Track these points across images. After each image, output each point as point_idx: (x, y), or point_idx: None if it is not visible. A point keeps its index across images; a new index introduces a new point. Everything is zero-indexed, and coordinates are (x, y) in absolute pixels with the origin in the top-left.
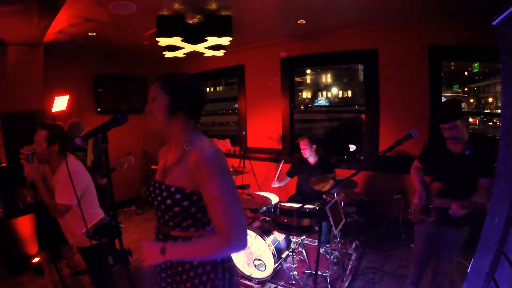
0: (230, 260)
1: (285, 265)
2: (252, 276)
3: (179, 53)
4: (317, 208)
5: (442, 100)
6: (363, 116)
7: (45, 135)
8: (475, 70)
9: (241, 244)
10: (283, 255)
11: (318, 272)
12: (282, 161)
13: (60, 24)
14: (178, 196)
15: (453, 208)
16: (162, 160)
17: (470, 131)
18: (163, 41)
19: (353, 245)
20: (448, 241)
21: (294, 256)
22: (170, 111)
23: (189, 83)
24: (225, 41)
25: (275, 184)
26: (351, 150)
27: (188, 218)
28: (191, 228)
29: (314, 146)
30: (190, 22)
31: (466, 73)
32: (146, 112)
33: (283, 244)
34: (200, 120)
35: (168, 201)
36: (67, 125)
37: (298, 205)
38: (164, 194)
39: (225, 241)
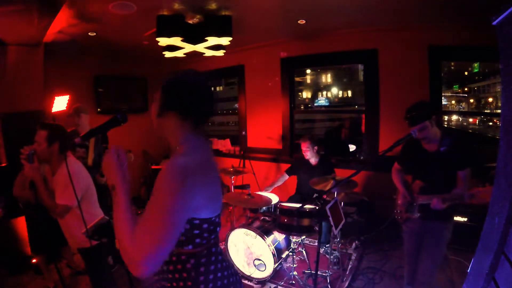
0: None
1: (285, 265)
2: (252, 276)
3: (179, 53)
4: (317, 208)
5: (442, 100)
6: (362, 115)
7: (45, 135)
8: (475, 70)
9: (140, 269)
10: (283, 255)
11: (318, 272)
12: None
13: (60, 24)
14: None
15: (434, 202)
16: None
17: (445, 126)
18: (163, 41)
19: (353, 245)
20: (433, 236)
21: (294, 256)
22: (160, 110)
23: (184, 80)
24: (225, 41)
25: (267, 189)
26: (351, 150)
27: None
28: None
29: (316, 147)
30: (190, 22)
31: (466, 73)
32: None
33: (283, 244)
34: (204, 122)
35: None
36: (72, 109)
37: (298, 205)
38: None
39: (133, 252)
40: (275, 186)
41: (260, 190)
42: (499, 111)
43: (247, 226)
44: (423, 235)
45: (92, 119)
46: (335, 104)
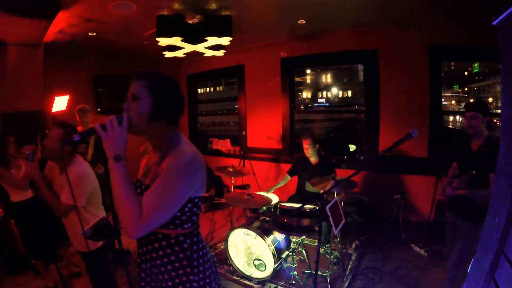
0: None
1: (285, 265)
2: (252, 276)
3: (179, 53)
4: (317, 208)
5: (442, 100)
6: (362, 116)
7: (61, 134)
8: (475, 70)
9: (137, 234)
10: (283, 255)
11: (318, 272)
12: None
13: (60, 24)
14: None
15: (447, 190)
16: (145, 158)
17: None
18: (163, 41)
19: (353, 245)
20: (462, 234)
21: (294, 256)
22: (153, 116)
23: (176, 89)
24: (225, 41)
25: (270, 190)
26: (351, 150)
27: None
28: (170, 226)
29: (317, 145)
30: (190, 22)
31: (466, 73)
32: (124, 109)
33: (283, 244)
34: (179, 123)
35: None
36: (76, 110)
37: (298, 205)
38: None
39: (137, 223)
40: (277, 187)
41: (261, 190)
42: (499, 111)
43: (247, 226)
44: (456, 230)
45: (92, 119)
46: (335, 104)
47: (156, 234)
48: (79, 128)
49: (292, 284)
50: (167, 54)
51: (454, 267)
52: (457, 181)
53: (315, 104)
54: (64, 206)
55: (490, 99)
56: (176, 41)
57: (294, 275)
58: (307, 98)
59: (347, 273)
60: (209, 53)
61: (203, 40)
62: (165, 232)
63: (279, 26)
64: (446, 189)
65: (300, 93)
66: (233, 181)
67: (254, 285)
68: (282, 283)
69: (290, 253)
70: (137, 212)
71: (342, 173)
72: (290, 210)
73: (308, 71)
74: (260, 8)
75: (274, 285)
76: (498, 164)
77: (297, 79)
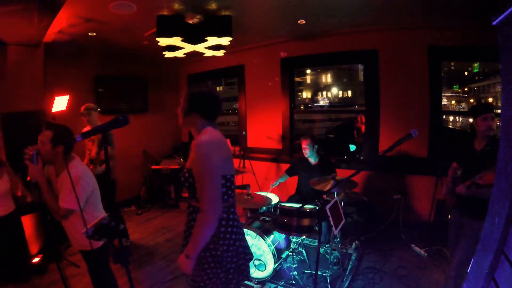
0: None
1: (285, 265)
2: (252, 276)
3: (179, 53)
4: (317, 208)
5: (442, 100)
6: (359, 116)
7: (50, 135)
8: (475, 70)
9: (214, 216)
10: (283, 255)
11: (318, 272)
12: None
13: (60, 24)
14: (187, 175)
15: (458, 187)
16: None
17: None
18: (163, 41)
19: (353, 245)
20: (467, 232)
21: (294, 256)
22: (186, 112)
23: (203, 94)
24: (225, 41)
25: (273, 186)
26: (351, 150)
27: (196, 192)
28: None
29: (316, 146)
30: (190, 22)
31: (466, 73)
32: (178, 113)
33: (283, 244)
34: (215, 118)
35: (183, 180)
36: (83, 108)
37: (298, 205)
38: (186, 175)
39: (203, 216)
40: (276, 185)
41: (261, 190)
42: (499, 111)
43: (247, 226)
44: (461, 228)
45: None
46: (335, 104)
47: (193, 207)
48: (88, 128)
49: (292, 284)
50: (167, 54)
51: (458, 266)
52: (480, 176)
53: (315, 104)
54: (63, 210)
55: (490, 99)
56: (176, 41)
57: (294, 275)
58: (307, 98)
59: (347, 273)
60: (209, 53)
61: (203, 40)
62: (198, 206)
63: (279, 26)
64: (458, 188)
65: (300, 93)
66: None
67: (254, 285)
68: (282, 283)
69: (290, 253)
70: (200, 222)
71: (342, 173)
72: (290, 210)
73: (308, 71)
74: (260, 8)
75: (274, 285)
76: (498, 164)
77: (297, 79)
